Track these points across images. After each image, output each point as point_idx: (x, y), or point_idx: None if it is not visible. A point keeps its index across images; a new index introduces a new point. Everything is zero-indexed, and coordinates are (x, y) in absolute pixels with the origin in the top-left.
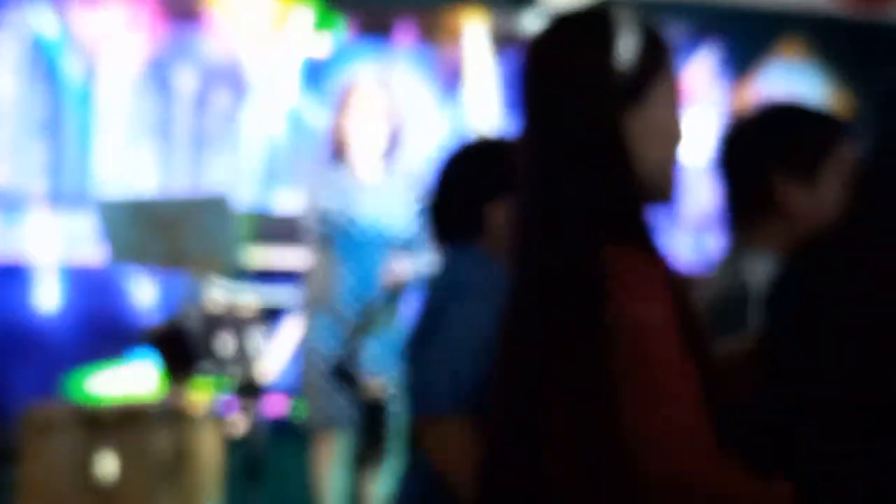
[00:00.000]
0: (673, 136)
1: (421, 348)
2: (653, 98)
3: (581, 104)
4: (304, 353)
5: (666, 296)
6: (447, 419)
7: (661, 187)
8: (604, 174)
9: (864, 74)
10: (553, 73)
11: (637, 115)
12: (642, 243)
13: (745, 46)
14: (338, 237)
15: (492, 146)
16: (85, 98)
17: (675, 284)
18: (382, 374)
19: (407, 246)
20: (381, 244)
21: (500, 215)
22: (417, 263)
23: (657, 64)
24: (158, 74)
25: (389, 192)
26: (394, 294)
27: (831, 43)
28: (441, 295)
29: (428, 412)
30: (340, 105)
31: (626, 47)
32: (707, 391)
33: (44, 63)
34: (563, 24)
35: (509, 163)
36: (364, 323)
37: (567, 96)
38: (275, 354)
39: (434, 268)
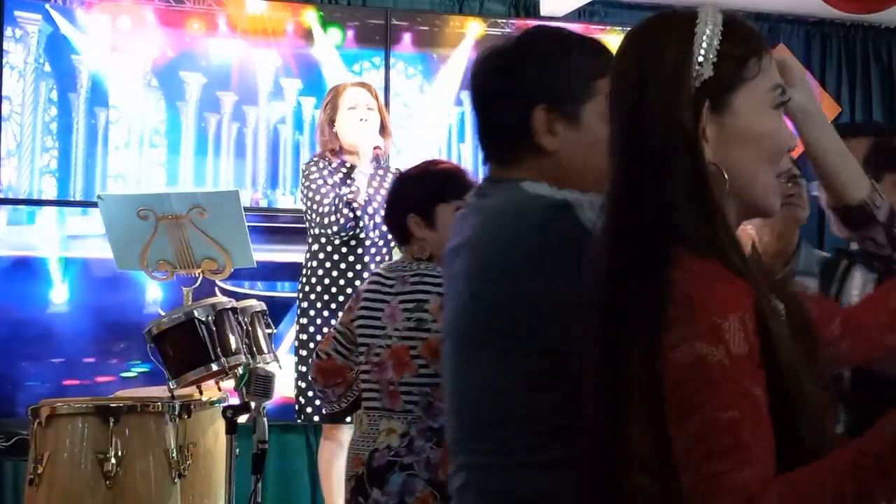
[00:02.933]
0: (762, 147)
1: None
2: (738, 106)
3: (656, 107)
4: (306, 347)
5: (743, 324)
6: None
7: (755, 200)
8: (679, 181)
9: (853, 79)
10: (631, 73)
11: (719, 122)
12: (725, 258)
13: None
14: (336, 235)
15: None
16: (95, 98)
17: (764, 297)
18: None
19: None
20: (381, 240)
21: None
22: None
23: (743, 71)
24: (166, 77)
25: (385, 191)
26: None
27: (822, 48)
28: None
29: None
30: (330, 104)
31: (707, 49)
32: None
33: (54, 63)
34: (646, 25)
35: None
36: None
37: (643, 97)
38: (280, 349)
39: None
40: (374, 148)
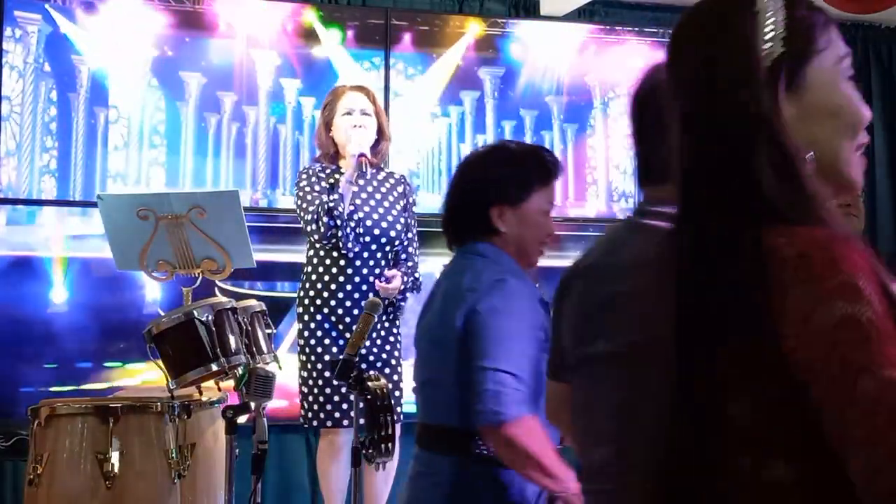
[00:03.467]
0: (841, 119)
1: (485, 352)
2: (812, 80)
3: (730, 86)
4: (304, 353)
5: (874, 283)
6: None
7: (839, 176)
8: (765, 158)
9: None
10: (695, 56)
11: (795, 99)
12: (832, 227)
13: None
14: (333, 237)
15: (501, 151)
16: (95, 98)
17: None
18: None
19: (397, 247)
20: (374, 244)
21: (504, 218)
22: (408, 267)
23: (813, 43)
24: (166, 77)
25: (380, 195)
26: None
27: None
28: (477, 296)
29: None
30: (328, 107)
31: (775, 25)
32: None
33: (54, 63)
34: (704, 4)
35: (516, 167)
36: (363, 324)
37: (713, 78)
38: (280, 349)
39: (449, 267)
40: (359, 156)
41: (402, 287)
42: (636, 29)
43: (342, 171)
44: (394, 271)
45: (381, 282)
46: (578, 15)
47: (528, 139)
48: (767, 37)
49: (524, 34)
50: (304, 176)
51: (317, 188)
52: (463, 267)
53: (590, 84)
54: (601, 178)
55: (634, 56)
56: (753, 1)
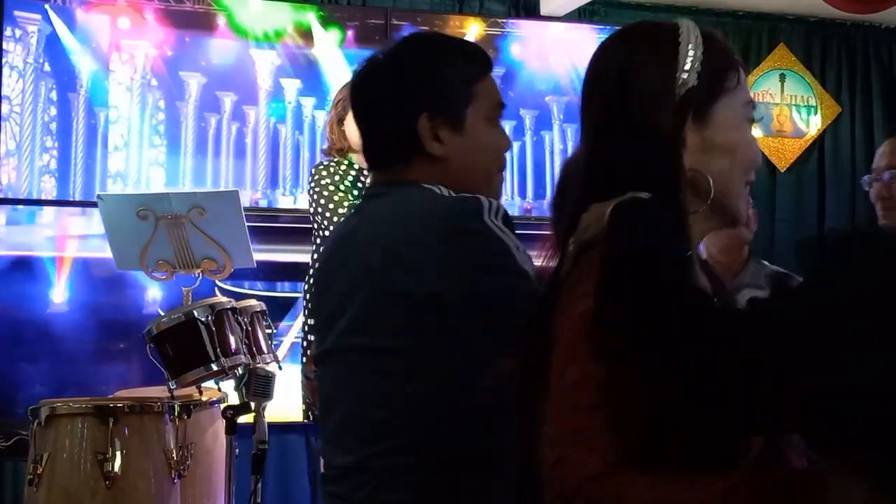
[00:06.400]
0: (741, 156)
1: None
2: (719, 115)
3: (636, 109)
4: (307, 349)
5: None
6: None
7: (731, 208)
8: (653, 182)
9: (854, 80)
10: (611, 76)
11: (702, 132)
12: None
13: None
14: None
15: None
16: (95, 98)
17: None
18: None
19: None
20: None
21: None
22: None
23: (724, 79)
24: (166, 77)
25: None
26: None
27: (822, 48)
28: None
29: None
30: (343, 102)
31: (692, 59)
32: None
33: (54, 63)
34: (629, 31)
35: None
36: None
37: (624, 100)
38: (280, 349)
39: None
40: None
41: None
42: None
43: (356, 167)
44: None
45: None
46: (578, 15)
47: (529, 139)
48: (685, 68)
49: (524, 34)
50: (324, 173)
51: (342, 186)
52: None
53: None
54: None
55: None
56: (676, 34)
